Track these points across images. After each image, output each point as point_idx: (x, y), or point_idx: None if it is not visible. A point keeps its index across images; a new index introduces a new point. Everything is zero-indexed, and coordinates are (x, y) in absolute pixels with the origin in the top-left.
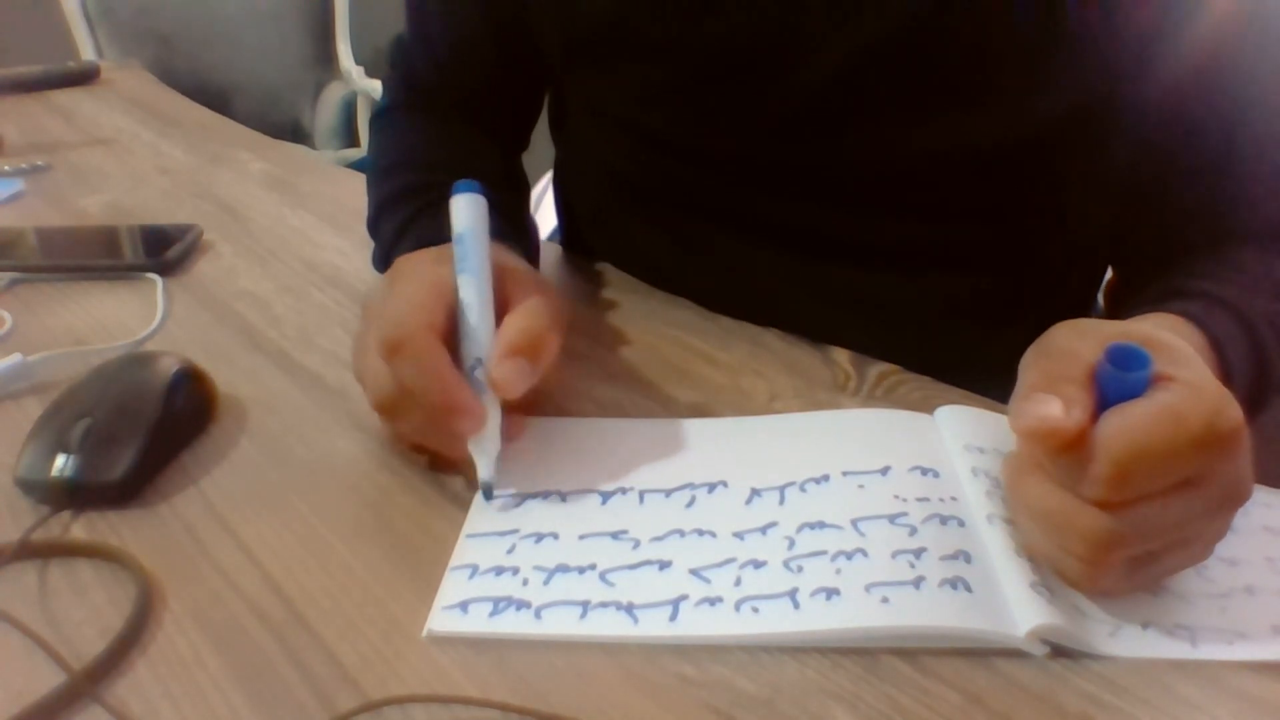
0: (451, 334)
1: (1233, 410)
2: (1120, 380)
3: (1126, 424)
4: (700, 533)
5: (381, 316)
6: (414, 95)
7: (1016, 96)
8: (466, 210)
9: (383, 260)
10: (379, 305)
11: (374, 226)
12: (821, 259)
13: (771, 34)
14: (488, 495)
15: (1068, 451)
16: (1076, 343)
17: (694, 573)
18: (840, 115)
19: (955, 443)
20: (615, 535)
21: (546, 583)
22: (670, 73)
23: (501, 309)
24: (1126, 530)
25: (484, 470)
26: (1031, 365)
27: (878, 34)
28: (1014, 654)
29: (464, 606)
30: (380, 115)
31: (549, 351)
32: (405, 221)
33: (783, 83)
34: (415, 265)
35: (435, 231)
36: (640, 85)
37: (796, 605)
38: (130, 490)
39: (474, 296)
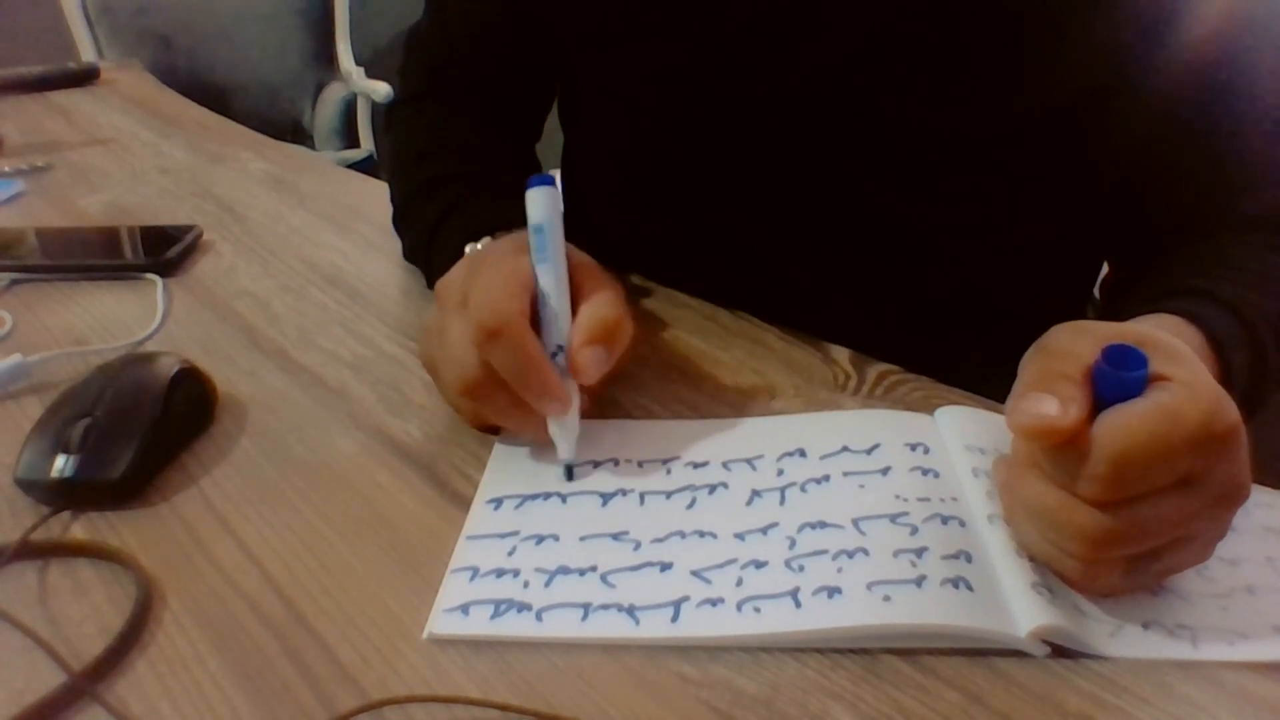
0: (535, 321)
1: (1229, 410)
2: (1117, 380)
3: (1123, 423)
4: (701, 534)
5: (470, 304)
6: (432, 84)
7: (1036, 73)
8: (543, 202)
9: (423, 246)
10: (459, 293)
11: (402, 213)
12: (833, 242)
13: (789, 10)
14: (569, 475)
15: (1064, 449)
16: (1075, 342)
17: (695, 574)
18: (862, 92)
19: (955, 443)
20: (616, 536)
21: (548, 585)
22: (687, 52)
23: (572, 298)
24: (1123, 529)
25: (566, 451)
26: (1030, 364)
27: (901, 6)
28: (1014, 654)
29: (465, 609)
30: (400, 105)
31: (623, 340)
32: (446, 209)
33: (802, 61)
34: (497, 255)
35: (487, 219)
36: (657, 65)
37: (798, 605)
38: (130, 490)
39: (553, 285)
